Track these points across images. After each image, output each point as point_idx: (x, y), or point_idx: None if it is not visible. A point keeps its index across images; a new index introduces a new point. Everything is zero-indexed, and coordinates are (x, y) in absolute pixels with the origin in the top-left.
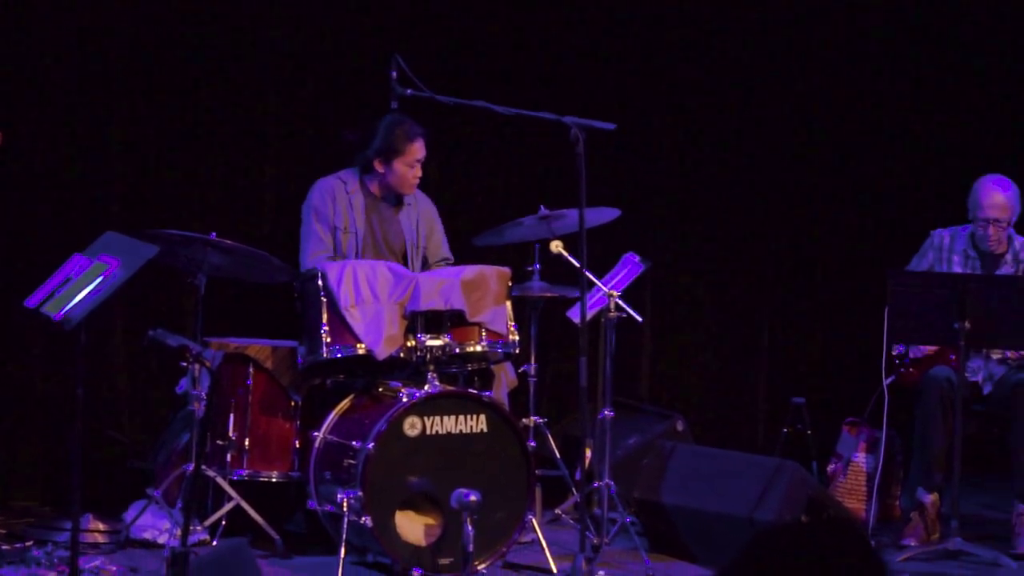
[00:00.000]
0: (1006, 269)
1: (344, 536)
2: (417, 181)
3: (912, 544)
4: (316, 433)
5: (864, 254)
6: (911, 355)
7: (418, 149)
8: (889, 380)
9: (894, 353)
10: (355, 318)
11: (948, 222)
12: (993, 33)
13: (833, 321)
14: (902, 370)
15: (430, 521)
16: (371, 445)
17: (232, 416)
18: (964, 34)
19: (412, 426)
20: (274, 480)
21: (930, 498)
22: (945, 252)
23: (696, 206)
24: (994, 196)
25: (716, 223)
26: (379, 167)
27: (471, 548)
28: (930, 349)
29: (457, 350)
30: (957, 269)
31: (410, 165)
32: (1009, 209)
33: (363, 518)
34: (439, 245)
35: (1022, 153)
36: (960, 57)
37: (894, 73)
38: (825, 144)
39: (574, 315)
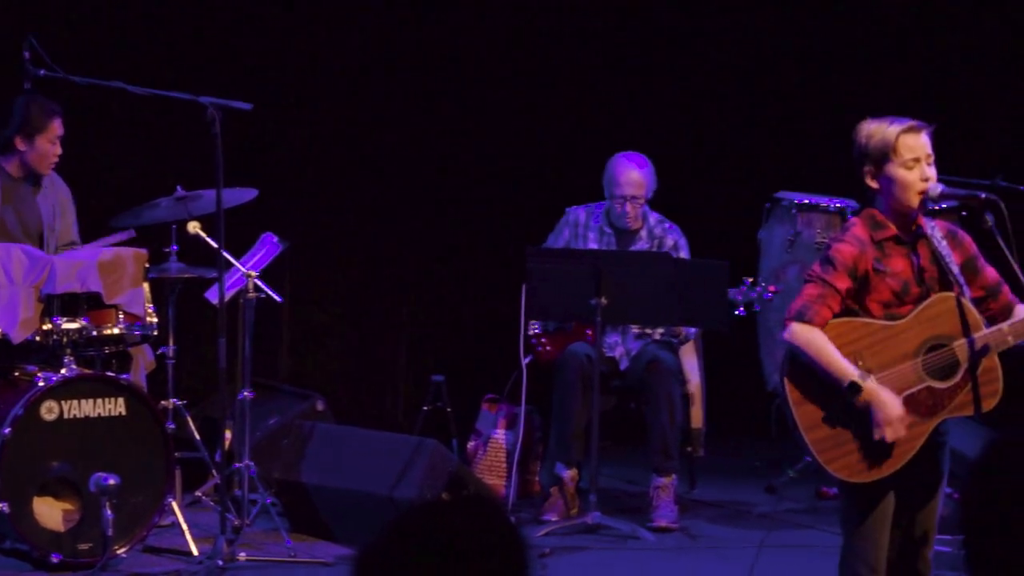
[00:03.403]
0: (641, 245)
1: None
2: (56, 160)
3: (552, 519)
4: None
5: (503, 231)
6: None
7: (58, 126)
8: (527, 360)
9: (530, 333)
10: None
11: (582, 199)
12: (629, 12)
13: (472, 298)
14: (539, 348)
15: (68, 506)
16: (7, 430)
17: None
18: (604, 10)
19: (49, 410)
20: None
21: (569, 473)
22: (581, 229)
23: (334, 185)
24: (629, 173)
25: (354, 201)
26: (21, 145)
27: (110, 532)
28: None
29: (94, 333)
30: (593, 246)
31: (52, 142)
32: (644, 186)
33: None
34: (68, 228)
35: (653, 129)
36: (596, 36)
37: (530, 52)
38: (462, 121)
39: (212, 296)
